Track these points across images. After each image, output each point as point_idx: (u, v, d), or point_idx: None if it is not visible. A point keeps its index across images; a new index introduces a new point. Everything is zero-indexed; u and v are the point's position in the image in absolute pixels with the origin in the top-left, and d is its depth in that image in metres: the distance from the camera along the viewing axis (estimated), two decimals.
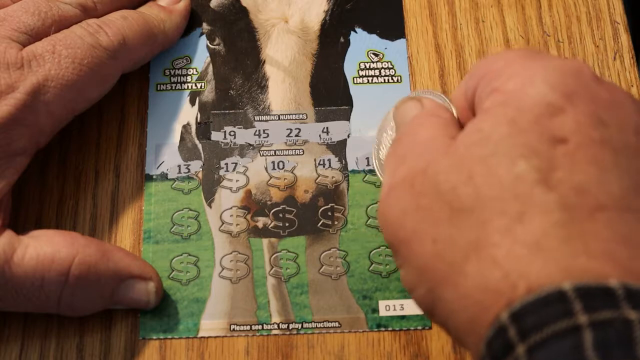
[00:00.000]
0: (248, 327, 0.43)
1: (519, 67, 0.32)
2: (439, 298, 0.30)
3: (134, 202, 0.45)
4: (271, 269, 0.44)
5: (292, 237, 0.45)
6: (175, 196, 0.45)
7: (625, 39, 0.49)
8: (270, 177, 0.46)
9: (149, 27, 0.45)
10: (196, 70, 0.48)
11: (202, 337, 0.43)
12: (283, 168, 0.46)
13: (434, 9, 0.50)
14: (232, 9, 0.50)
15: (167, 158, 0.46)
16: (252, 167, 0.46)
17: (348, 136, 0.47)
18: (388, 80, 0.48)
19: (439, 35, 0.49)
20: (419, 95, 0.40)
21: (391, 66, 0.49)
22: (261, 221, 0.45)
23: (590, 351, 0.24)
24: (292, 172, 0.46)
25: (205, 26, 0.49)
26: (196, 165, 0.46)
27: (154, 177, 0.46)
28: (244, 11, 0.50)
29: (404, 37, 0.49)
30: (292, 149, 0.46)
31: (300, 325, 0.43)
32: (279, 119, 0.47)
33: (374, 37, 0.49)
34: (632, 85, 0.48)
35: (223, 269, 0.44)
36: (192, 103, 0.48)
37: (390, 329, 0.43)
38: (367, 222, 0.45)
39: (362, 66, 0.49)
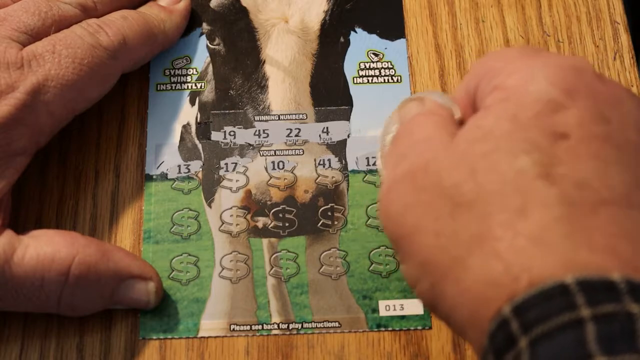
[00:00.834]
0: (248, 327, 0.43)
1: (520, 64, 0.33)
2: (442, 292, 0.30)
3: (134, 202, 0.45)
4: (271, 269, 0.44)
5: (292, 237, 0.44)
6: (175, 196, 0.45)
7: (625, 39, 0.49)
8: (270, 177, 0.46)
9: (149, 27, 0.46)
10: (196, 70, 0.48)
11: (202, 337, 0.42)
12: (283, 168, 0.46)
13: (434, 9, 0.50)
14: (232, 9, 0.50)
15: (167, 158, 0.46)
16: (252, 167, 0.46)
17: (348, 136, 0.47)
18: (388, 80, 0.48)
19: (439, 35, 0.49)
20: (421, 95, 0.40)
21: (391, 66, 0.49)
22: (261, 221, 0.45)
23: (593, 344, 0.24)
24: (292, 172, 0.46)
25: (205, 26, 0.49)
26: (196, 165, 0.46)
27: (154, 177, 0.46)
28: (244, 11, 0.50)
29: (404, 37, 0.49)
30: (292, 149, 0.46)
31: (300, 325, 0.43)
32: (279, 119, 0.47)
33: (374, 37, 0.49)
34: (632, 85, 0.48)
35: (223, 269, 0.44)
36: (192, 103, 0.48)
37: (390, 329, 0.43)
38: (367, 222, 0.45)
39: (362, 66, 0.49)
